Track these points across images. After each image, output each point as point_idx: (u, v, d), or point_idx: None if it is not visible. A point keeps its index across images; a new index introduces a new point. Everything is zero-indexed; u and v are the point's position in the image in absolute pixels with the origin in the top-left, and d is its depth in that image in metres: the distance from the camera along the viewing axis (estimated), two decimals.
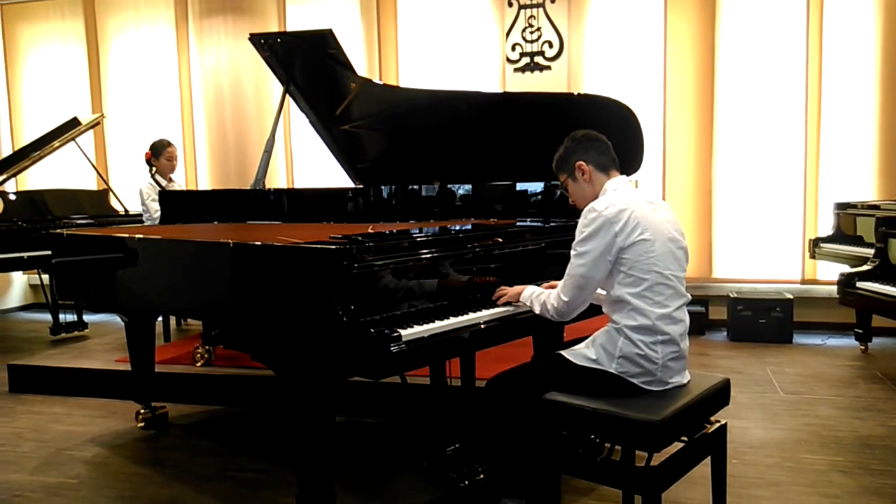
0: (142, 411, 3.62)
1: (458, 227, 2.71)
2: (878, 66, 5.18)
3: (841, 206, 4.90)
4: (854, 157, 5.28)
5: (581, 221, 2.15)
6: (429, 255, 2.31)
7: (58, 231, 3.60)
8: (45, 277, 5.83)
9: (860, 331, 4.78)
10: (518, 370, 2.27)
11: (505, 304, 2.39)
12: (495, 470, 2.43)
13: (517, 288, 2.39)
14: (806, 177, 5.37)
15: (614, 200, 2.14)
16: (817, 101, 5.31)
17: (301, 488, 2.24)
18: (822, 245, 4.95)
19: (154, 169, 4.68)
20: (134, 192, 5.70)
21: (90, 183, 6.51)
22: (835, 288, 4.05)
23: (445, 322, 2.17)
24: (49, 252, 3.60)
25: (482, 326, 2.26)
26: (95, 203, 6.04)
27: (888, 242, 3.22)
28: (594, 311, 2.43)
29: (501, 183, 3.43)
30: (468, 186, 3.47)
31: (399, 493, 2.78)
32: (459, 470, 2.66)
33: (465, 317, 2.25)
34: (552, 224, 2.96)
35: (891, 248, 3.20)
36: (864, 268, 3.27)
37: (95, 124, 6.13)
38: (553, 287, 2.31)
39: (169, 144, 4.73)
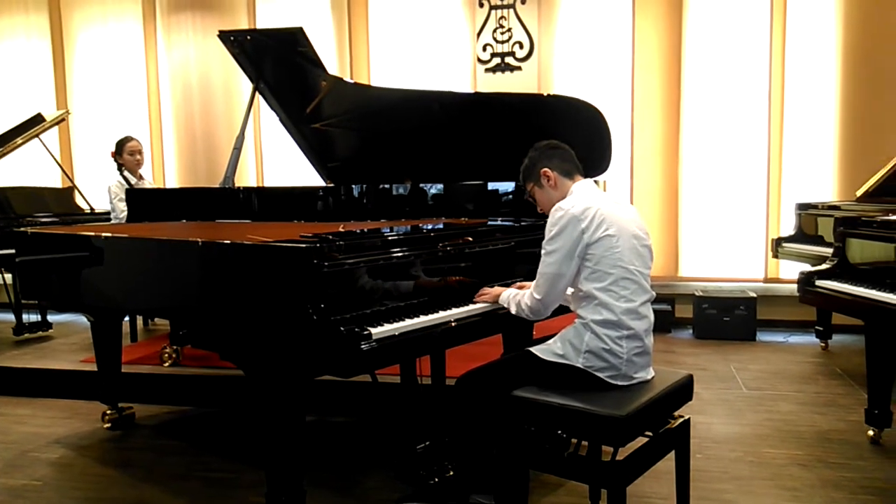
0: (108, 412, 3.57)
1: (429, 227, 2.73)
2: (839, 70, 5.31)
3: (802, 207, 5.01)
4: (815, 159, 5.40)
5: (549, 220, 2.22)
6: (400, 254, 2.32)
7: (22, 229, 3.53)
8: (8, 277, 5.71)
9: (820, 328, 4.91)
10: (487, 367, 2.30)
11: (482, 304, 2.45)
12: (465, 467, 2.46)
13: (497, 290, 2.47)
14: (769, 178, 5.49)
15: (580, 199, 2.21)
16: (780, 104, 5.44)
17: (270, 487, 2.24)
18: (784, 245, 5.06)
19: (122, 166, 4.63)
20: (100, 189, 5.63)
21: (55, 181, 6.39)
22: (796, 286, 4.15)
23: (416, 320, 2.20)
24: (11, 251, 3.55)
25: (452, 324, 2.29)
26: (60, 201, 5.92)
27: (846, 242, 3.30)
28: (562, 309, 2.47)
29: (473, 182, 3.46)
30: (440, 186, 3.49)
31: (369, 490, 2.79)
32: (429, 467, 2.68)
33: (436, 315, 2.27)
34: (522, 223, 3.00)
35: (849, 248, 3.29)
36: (823, 266, 3.35)
37: (60, 121, 6.02)
38: (525, 287, 2.37)
39: (130, 139, 4.67)
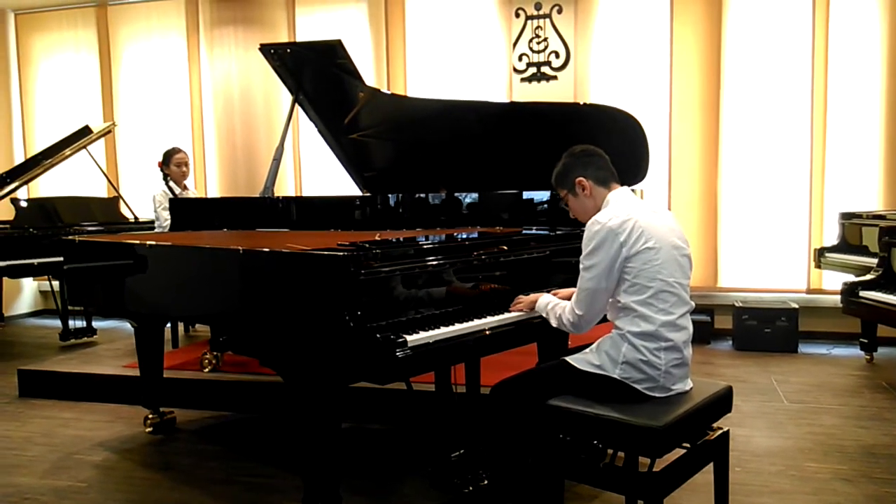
0: (150, 416, 3.65)
1: (464, 235, 2.74)
2: (884, 76, 5.19)
3: (846, 216, 4.91)
4: (859, 166, 5.29)
5: (586, 235, 2.18)
6: (435, 263, 2.34)
7: (70, 237, 3.65)
8: (55, 284, 5.89)
9: (865, 340, 4.79)
10: (522, 376, 2.30)
11: (517, 312, 2.43)
12: (499, 476, 2.46)
13: (533, 296, 2.43)
14: (811, 186, 5.39)
15: (617, 211, 2.17)
16: (823, 111, 5.34)
17: (307, 493, 2.27)
18: (827, 255, 4.96)
19: (168, 177, 4.74)
20: (144, 199, 5.78)
21: (101, 191, 6.58)
22: (840, 297, 4.06)
23: (451, 328, 2.21)
24: (59, 258, 3.65)
25: (487, 333, 2.29)
26: (106, 210, 6.10)
27: (891, 252, 3.23)
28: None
29: (508, 191, 3.46)
30: (475, 195, 3.50)
31: (404, 498, 2.80)
32: (464, 476, 2.68)
33: (471, 323, 2.28)
34: (558, 232, 2.99)
35: (894, 258, 3.22)
36: (867, 277, 3.28)
37: (107, 132, 6.20)
38: (567, 296, 2.34)
39: (177, 151, 4.78)
